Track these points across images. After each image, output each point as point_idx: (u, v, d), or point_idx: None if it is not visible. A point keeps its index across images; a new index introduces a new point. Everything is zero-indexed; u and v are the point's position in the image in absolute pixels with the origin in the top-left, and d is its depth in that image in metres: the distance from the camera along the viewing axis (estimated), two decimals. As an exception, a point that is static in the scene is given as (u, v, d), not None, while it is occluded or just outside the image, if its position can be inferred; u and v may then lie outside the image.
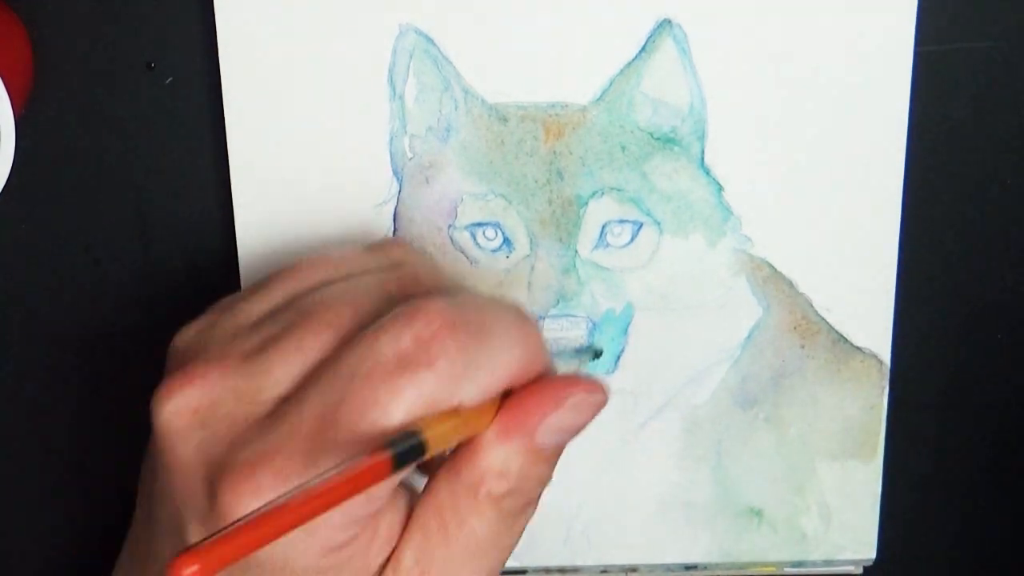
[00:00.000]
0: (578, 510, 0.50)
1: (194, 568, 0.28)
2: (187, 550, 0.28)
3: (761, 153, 0.46)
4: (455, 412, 0.35)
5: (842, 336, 0.48)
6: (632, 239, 0.47)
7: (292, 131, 0.46)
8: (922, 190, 0.48)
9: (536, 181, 0.47)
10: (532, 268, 0.47)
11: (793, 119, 0.46)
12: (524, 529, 0.38)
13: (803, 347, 0.49)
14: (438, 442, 0.34)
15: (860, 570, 0.52)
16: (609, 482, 0.50)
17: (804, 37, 0.45)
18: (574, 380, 0.37)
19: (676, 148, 0.46)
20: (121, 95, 0.47)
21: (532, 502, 0.38)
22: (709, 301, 0.48)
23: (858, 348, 0.49)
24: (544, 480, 0.37)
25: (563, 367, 0.45)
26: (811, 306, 0.48)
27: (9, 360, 0.50)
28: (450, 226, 0.47)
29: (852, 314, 0.48)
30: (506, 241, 0.47)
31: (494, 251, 0.47)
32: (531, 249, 0.47)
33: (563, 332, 0.48)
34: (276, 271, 0.40)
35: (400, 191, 0.47)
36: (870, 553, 0.51)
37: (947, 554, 0.53)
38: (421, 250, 0.41)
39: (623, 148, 0.46)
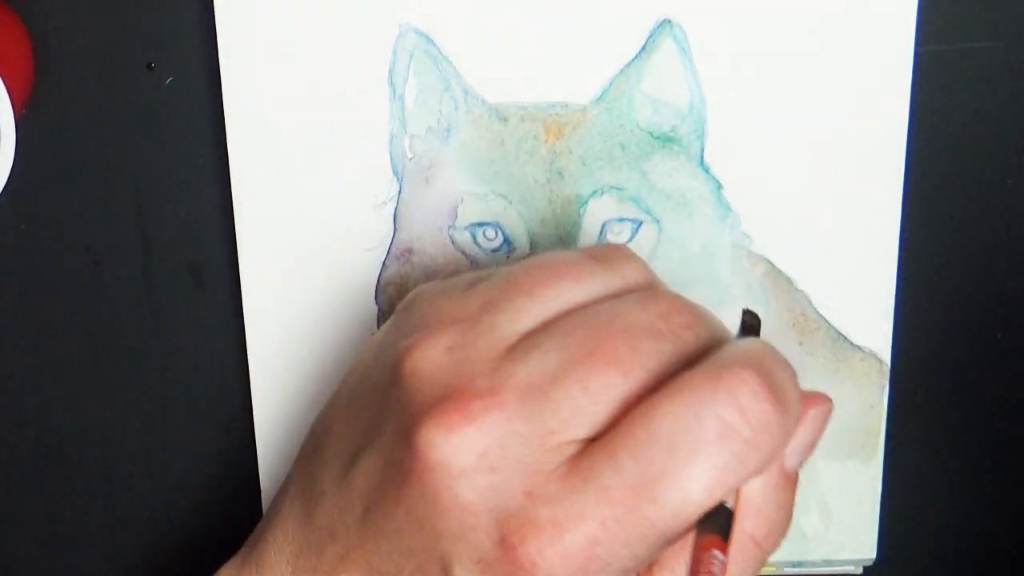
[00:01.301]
0: (578, 510, 0.50)
1: None
2: None
3: (760, 152, 0.46)
4: None
5: (841, 334, 0.48)
6: (631, 237, 0.47)
7: (292, 131, 0.46)
8: (922, 190, 0.48)
9: (536, 181, 0.47)
10: (532, 268, 0.47)
11: (793, 118, 0.46)
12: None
13: (802, 344, 0.49)
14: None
15: (860, 570, 0.52)
16: (609, 482, 0.50)
17: (804, 37, 0.45)
18: (811, 396, 0.36)
19: (676, 147, 0.46)
20: (121, 95, 0.47)
21: (783, 537, 0.37)
22: (708, 298, 0.48)
23: (858, 347, 0.49)
24: (791, 511, 0.37)
25: None
26: (810, 304, 0.48)
27: (9, 360, 0.50)
28: (450, 226, 0.47)
29: (852, 312, 0.48)
30: (506, 241, 0.47)
31: (494, 251, 0.48)
32: (531, 249, 0.47)
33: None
34: (513, 278, 0.37)
35: (400, 191, 0.47)
36: (870, 553, 0.51)
37: (947, 554, 0.53)
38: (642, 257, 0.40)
39: (623, 147, 0.46)
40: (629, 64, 0.46)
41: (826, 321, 0.48)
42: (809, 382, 0.48)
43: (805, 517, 0.50)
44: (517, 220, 0.47)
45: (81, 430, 0.51)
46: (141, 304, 0.49)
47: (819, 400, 0.36)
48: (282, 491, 0.40)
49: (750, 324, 0.38)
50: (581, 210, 0.47)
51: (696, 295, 0.48)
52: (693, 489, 0.33)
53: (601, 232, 0.47)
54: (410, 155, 0.47)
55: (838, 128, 0.46)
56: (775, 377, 0.34)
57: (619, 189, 0.47)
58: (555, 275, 0.37)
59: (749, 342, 0.36)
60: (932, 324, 0.50)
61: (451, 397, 0.34)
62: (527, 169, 0.47)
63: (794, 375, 0.35)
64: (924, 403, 0.50)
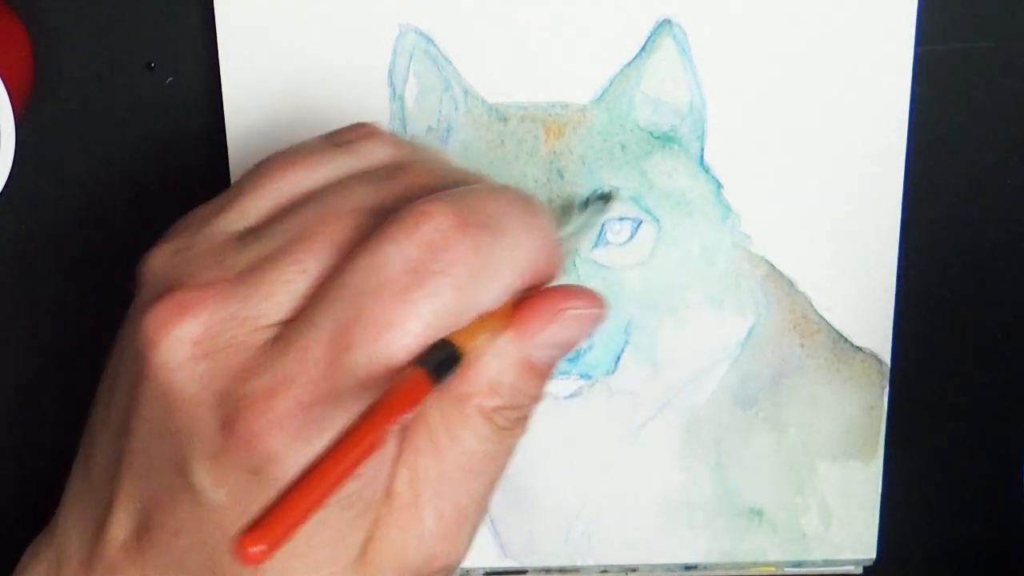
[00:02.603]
0: (578, 510, 0.50)
1: (262, 547, 0.26)
2: (251, 527, 0.26)
3: (760, 152, 0.46)
4: (480, 318, 0.33)
5: (842, 336, 0.48)
6: (631, 237, 0.47)
7: (292, 131, 0.46)
8: (922, 190, 0.48)
9: (536, 181, 0.47)
10: (532, 268, 0.47)
11: (793, 118, 0.46)
12: (515, 448, 0.36)
13: (803, 346, 0.49)
14: (469, 348, 0.32)
15: (860, 570, 0.52)
16: (609, 482, 0.50)
17: (804, 37, 0.45)
18: (572, 292, 0.35)
19: (676, 147, 0.46)
20: (121, 95, 0.47)
21: (524, 419, 0.35)
22: (708, 299, 0.48)
23: (858, 348, 0.49)
24: (536, 397, 0.35)
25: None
26: (811, 305, 0.48)
27: (10, 360, 0.50)
28: (450, 226, 0.47)
29: (852, 314, 0.48)
30: (506, 241, 0.47)
31: (494, 251, 0.47)
32: (531, 249, 0.47)
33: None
34: (244, 178, 0.37)
35: (400, 191, 0.47)
36: (870, 553, 0.51)
37: (947, 554, 0.53)
38: (391, 132, 0.38)
39: (623, 147, 0.46)
40: (629, 64, 0.46)
41: (827, 322, 0.48)
42: (810, 384, 0.49)
43: (805, 517, 0.50)
44: (517, 220, 0.47)
45: (81, 431, 0.51)
46: (141, 304, 0.49)
47: (585, 299, 0.35)
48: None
49: None
50: (581, 210, 0.47)
51: (696, 297, 0.48)
52: (385, 330, 0.32)
53: (601, 232, 0.47)
54: (410, 155, 0.47)
55: (838, 128, 0.46)
56: (474, 207, 0.33)
57: (619, 189, 0.47)
58: (287, 165, 0.36)
59: (469, 186, 0.35)
60: (932, 324, 0.50)
61: (168, 292, 0.34)
62: (527, 169, 0.47)
63: (518, 210, 0.34)
64: (924, 403, 0.50)
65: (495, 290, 0.33)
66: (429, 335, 0.32)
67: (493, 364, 0.34)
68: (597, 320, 0.35)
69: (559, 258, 0.35)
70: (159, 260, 0.36)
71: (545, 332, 0.34)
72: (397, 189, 0.35)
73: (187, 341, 0.33)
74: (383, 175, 0.36)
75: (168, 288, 0.34)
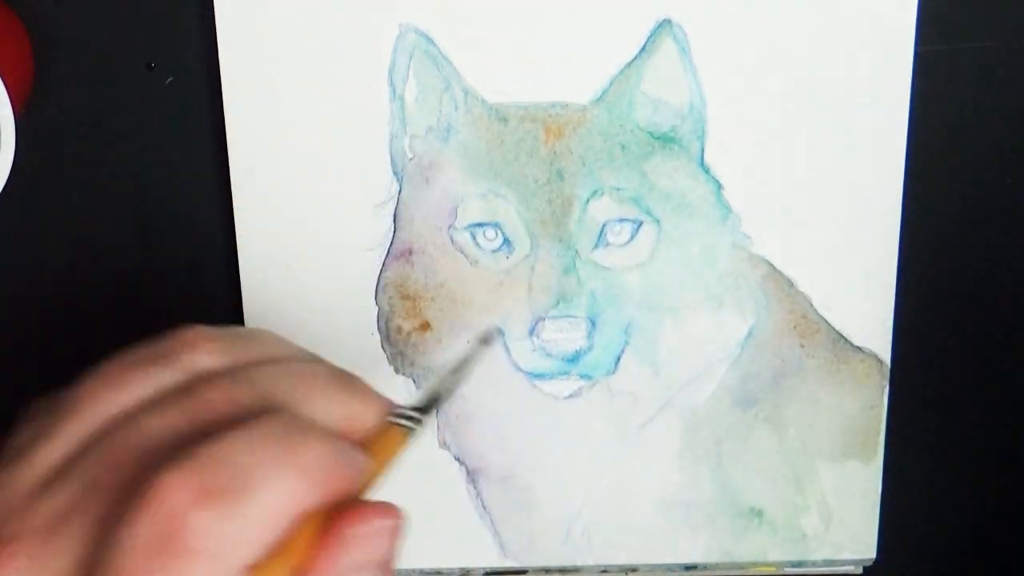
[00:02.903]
0: (578, 510, 0.50)
1: None
2: None
3: (761, 152, 0.46)
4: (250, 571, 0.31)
5: (842, 336, 0.48)
6: (632, 238, 0.47)
7: (292, 131, 0.46)
8: (922, 190, 0.48)
9: (536, 181, 0.47)
10: (532, 268, 0.47)
11: (793, 118, 0.46)
12: None
13: (803, 346, 0.49)
14: None
15: (860, 570, 0.52)
16: (609, 482, 0.50)
17: (804, 37, 0.45)
18: (358, 510, 0.33)
19: (676, 147, 0.46)
20: (121, 95, 0.47)
21: None
22: (708, 300, 0.48)
23: (858, 348, 0.49)
24: None
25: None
26: (811, 305, 0.48)
27: (9, 360, 0.50)
28: (450, 226, 0.47)
29: (852, 314, 0.48)
30: (506, 241, 0.47)
31: (494, 251, 0.47)
32: (531, 249, 0.47)
33: (563, 333, 0.48)
34: (65, 394, 0.35)
35: (400, 191, 0.47)
36: (870, 553, 0.51)
37: (947, 554, 0.53)
38: (221, 332, 0.37)
39: (623, 147, 0.46)
40: (629, 64, 0.46)
41: (827, 322, 0.48)
42: (810, 384, 0.49)
43: (805, 517, 0.50)
44: (517, 220, 0.47)
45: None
46: (141, 304, 0.49)
47: (372, 513, 0.33)
48: None
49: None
50: (581, 210, 0.47)
51: (696, 296, 0.48)
52: None
53: (601, 232, 0.47)
54: (410, 155, 0.47)
55: (838, 128, 0.46)
56: (219, 469, 0.32)
57: (619, 189, 0.47)
58: (102, 387, 0.35)
59: (226, 433, 0.33)
60: (932, 324, 0.50)
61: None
62: (527, 169, 0.47)
63: (274, 444, 0.32)
64: (924, 403, 0.50)
65: (256, 546, 0.31)
66: None
67: None
68: (395, 529, 0.33)
69: (352, 470, 0.33)
70: None
71: (339, 563, 0.32)
72: (196, 412, 0.33)
73: None
74: (176, 399, 0.34)
75: None
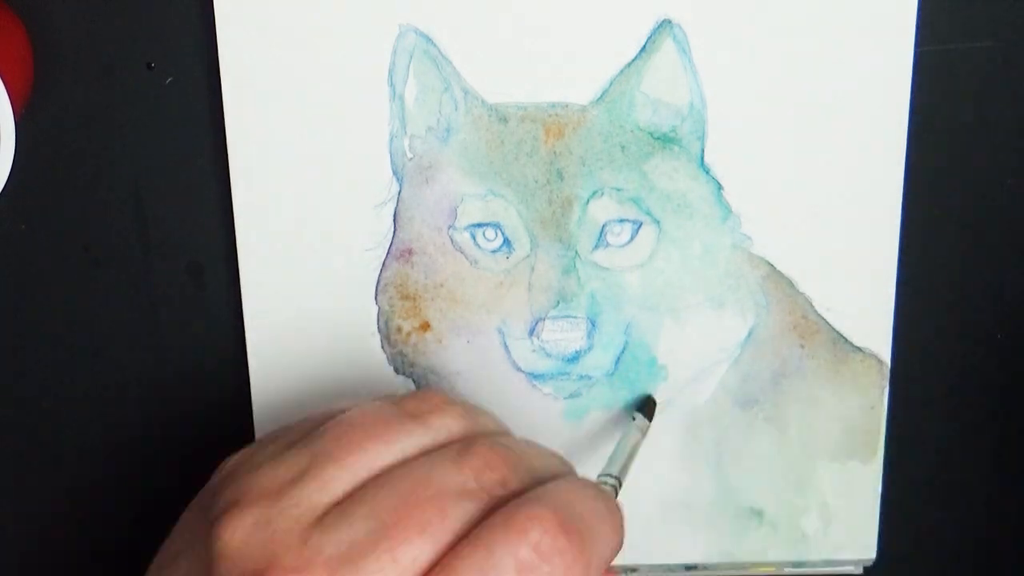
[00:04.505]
0: (578, 510, 0.50)
1: None
2: None
3: (761, 152, 0.46)
4: None
5: (842, 336, 0.48)
6: (632, 238, 0.47)
7: (292, 131, 0.46)
8: (922, 190, 0.48)
9: (536, 181, 0.47)
10: (532, 269, 0.47)
11: (793, 118, 0.46)
12: None
13: (803, 347, 0.49)
14: None
15: (860, 570, 0.52)
16: (609, 482, 0.50)
17: (804, 37, 0.45)
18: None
19: (676, 147, 0.46)
20: (121, 95, 0.47)
21: None
22: (709, 300, 0.48)
23: (858, 348, 0.49)
24: None
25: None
26: (811, 305, 0.48)
27: (9, 360, 0.50)
28: (450, 227, 0.47)
29: (852, 314, 0.48)
30: (506, 242, 0.47)
31: (494, 252, 0.47)
32: (531, 250, 0.47)
33: (563, 333, 0.48)
34: (318, 444, 0.38)
35: (400, 191, 0.47)
36: (870, 553, 0.51)
37: (947, 554, 0.53)
38: (459, 400, 0.40)
39: (623, 148, 0.46)
40: (629, 64, 0.46)
41: (827, 323, 0.48)
42: (810, 384, 0.49)
43: (805, 517, 0.51)
44: (517, 220, 0.47)
45: (80, 430, 0.51)
46: (141, 304, 0.49)
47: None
48: None
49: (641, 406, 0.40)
50: (581, 211, 0.47)
51: (696, 297, 0.48)
52: None
53: (601, 232, 0.47)
54: (410, 155, 0.47)
55: (838, 128, 0.46)
56: (570, 511, 0.35)
57: (619, 190, 0.47)
58: (365, 438, 0.37)
59: (555, 483, 0.37)
60: (932, 324, 0.50)
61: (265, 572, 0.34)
62: (527, 169, 0.47)
63: (602, 509, 0.36)
64: (924, 403, 0.50)
65: None
66: None
67: None
68: None
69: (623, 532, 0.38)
70: (241, 531, 0.36)
71: None
72: (475, 470, 0.36)
73: None
74: (456, 454, 0.37)
75: (256, 570, 0.35)
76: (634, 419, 0.48)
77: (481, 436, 0.39)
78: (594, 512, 0.36)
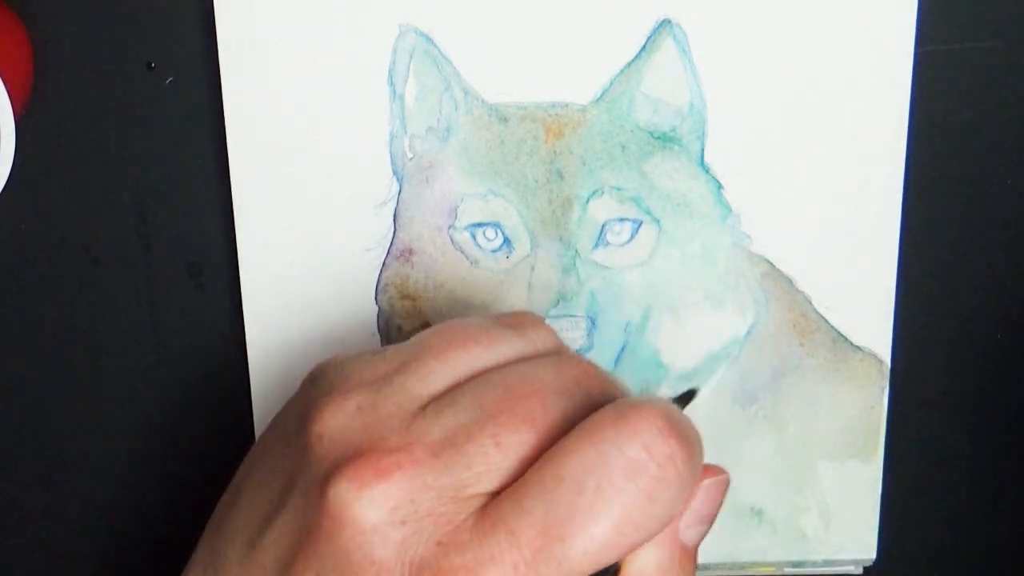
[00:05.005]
0: (578, 510, 0.50)
1: None
2: None
3: (761, 152, 0.46)
4: None
5: (841, 335, 0.48)
6: (632, 237, 0.47)
7: (292, 131, 0.46)
8: (922, 190, 0.48)
9: (536, 181, 0.47)
10: (532, 268, 0.48)
11: (793, 118, 0.46)
12: None
13: (802, 345, 0.49)
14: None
15: (860, 570, 0.52)
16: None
17: (804, 37, 0.45)
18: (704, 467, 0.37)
19: (676, 147, 0.46)
20: (121, 95, 0.47)
21: None
22: (708, 299, 0.48)
23: (858, 347, 0.49)
24: None
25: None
26: (810, 304, 0.48)
27: (8, 360, 0.50)
28: (450, 226, 0.47)
29: (852, 313, 0.48)
30: (506, 241, 0.47)
31: (494, 251, 0.48)
32: (531, 249, 0.47)
33: (563, 332, 0.48)
34: (422, 342, 0.38)
35: (400, 191, 0.47)
36: (870, 553, 0.51)
37: (947, 554, 0.53)
38: (555, 333, 0.40)
39: (623, 147, 0.46)
40: (629, 64, 0.46)
41: (826, 321, 0.48)
42: (809, 383, 0.49)
43: (805, 517, 0.50)
44: (517, 220, 0.47)
45: (80, 430, 0.51)
46: (141, 304, 0.49)
47: (715, 470, 0.36)
48: (186, 571, 0.40)
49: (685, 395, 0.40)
50: (581, 210, 0.47)
51: (696, 296, 0.48)
52: (602, 527, 0.33)
53: (601, 232, 0.47)
54: (410, 155, 0.47)
55: (838, 128, 0.46)
56: (679, 419, 0.34)
57: (619, 189, 0.47)
58: (466, 339, 0.37)
59: (651, 397, 0.36)
60: (932, 324, 0.50)
61: (362, 454, 0.34)
62: (527, 169, 0.47)
63: (697, 431, 0.36)
64: (924, 403, 0.50)
65: (685, 499, 0.35)
66: (640, 540, 0.34)
67: (652, 556, 0.36)
68: (726, 486, 0.37)
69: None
70: (343, 415, 0.36)
71: (689, 512, 0.36)
72: (575, 374, 0.36)
73: (383, 505, 0.34)
74: (555, 360, 0.37)
75: (359, 449, 0.35)
76: None
77: (571, 353, 0.39)
78: (694, 430, 0.35)
